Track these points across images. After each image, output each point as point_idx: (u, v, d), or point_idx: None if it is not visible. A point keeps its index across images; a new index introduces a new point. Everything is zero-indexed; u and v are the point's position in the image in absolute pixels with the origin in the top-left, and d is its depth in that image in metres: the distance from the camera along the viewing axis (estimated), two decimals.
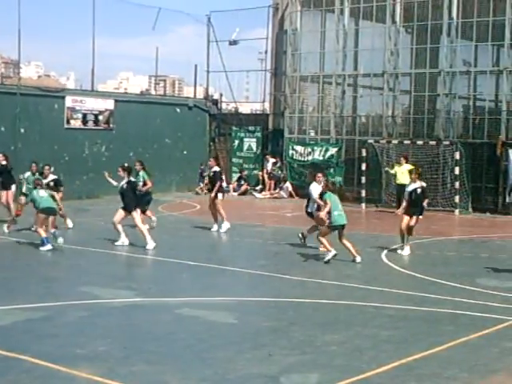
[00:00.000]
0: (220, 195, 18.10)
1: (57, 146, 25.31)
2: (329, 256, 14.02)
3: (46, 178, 18.08)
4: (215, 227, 18.18)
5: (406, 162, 23.24)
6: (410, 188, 15.52)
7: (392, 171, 23.52)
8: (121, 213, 15.71)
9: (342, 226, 14.14)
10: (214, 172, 18.43)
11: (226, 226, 18.16)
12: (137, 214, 15.69)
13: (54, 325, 9.29)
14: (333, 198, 14.15)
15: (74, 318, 9.64)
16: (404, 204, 15.39)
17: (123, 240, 15.75)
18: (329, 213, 14.02)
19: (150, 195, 18.47)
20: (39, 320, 9.52)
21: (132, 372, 7.42)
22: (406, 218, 15.24)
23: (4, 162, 19.59)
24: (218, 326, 9.42)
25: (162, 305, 10.51)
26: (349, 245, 14.18)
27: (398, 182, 23.36)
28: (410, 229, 15.34)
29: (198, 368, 7.58)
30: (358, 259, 14.10)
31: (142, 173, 18.24)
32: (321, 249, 15.10)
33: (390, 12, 26.12)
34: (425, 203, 15.62)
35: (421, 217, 15.52)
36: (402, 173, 23.06)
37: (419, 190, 15.41)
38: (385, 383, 7.24)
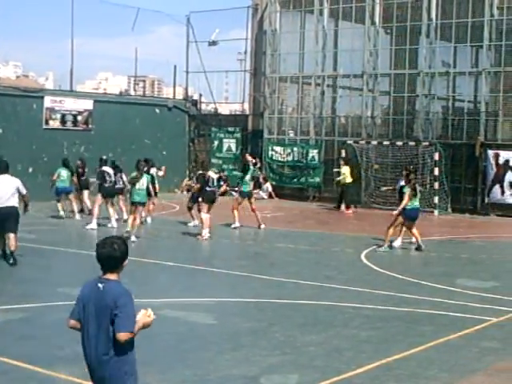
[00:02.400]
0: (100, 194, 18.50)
1: (35, 147, 25.14)
2: (132, 237, 15.89)
3: None
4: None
5: (345, 165, 24.24)
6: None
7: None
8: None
9: (139, 203, 16.56)
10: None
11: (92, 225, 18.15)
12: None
13: (33, 326, 9.22)
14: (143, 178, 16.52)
15: (53, 319, 9.55)
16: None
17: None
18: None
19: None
20: (18, 321, 9.44)
21: None
22: None
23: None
24: (198, 326, 9.40)
25: (142, 306, 10.35)
26: (138, 222, 16.53)
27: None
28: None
29: (178, 369, 7.57)
30: (133, 238, 15.88)
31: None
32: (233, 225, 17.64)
33: (369, 13, 26.22)
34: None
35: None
36: (342, 174, 23.82)
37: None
38: None
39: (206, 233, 16.84)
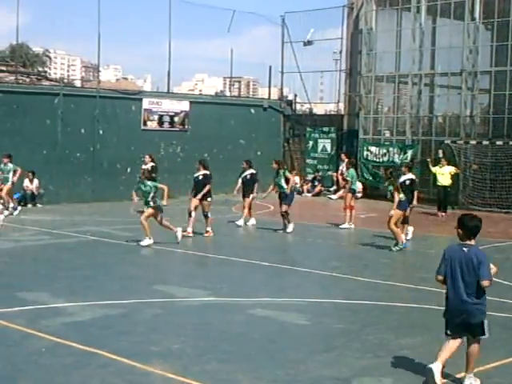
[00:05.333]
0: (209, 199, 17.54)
1: (133, 147, 25.81)
2: (150, 242, 15.63)
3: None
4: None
5: (448, 164, 22.90)
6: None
7: (433, 170, 23.29)
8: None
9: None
10: (204, 175, 17.49)
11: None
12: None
13: (130, 322, 9.46)
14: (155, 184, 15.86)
15: (149, 315, 9.79)
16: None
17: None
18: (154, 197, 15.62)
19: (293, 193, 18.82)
20: (116, 316, 9.72)
21: (205, 370, 7.48)
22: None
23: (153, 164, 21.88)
24: (289, 326, 9.39)
25: (235, 305, 10.55)
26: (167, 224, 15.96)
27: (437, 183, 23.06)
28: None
29: (269, 368, 7.58)
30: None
31: (281, 171, 18.48)
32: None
33: (468, 8, 25.46)
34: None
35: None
36: (443, 174, 22.71)
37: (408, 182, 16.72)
38: None
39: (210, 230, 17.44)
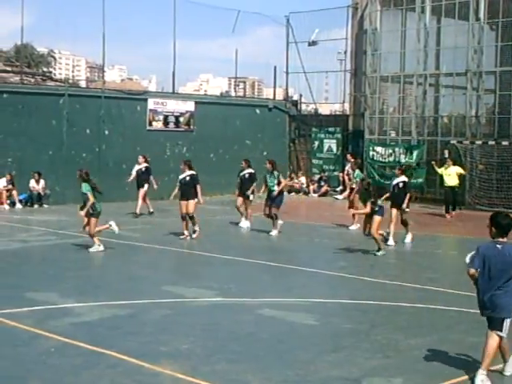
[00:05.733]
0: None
1: (139, 148, 25.76)
2: (98, 248, 15.00)
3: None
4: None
5: (454, 165, 22.84)
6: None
7: (439, 171, 23.15)
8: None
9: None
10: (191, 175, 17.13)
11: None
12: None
13: (139, 322, 9.47)
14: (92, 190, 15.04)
15: (158, 316, 9.80)
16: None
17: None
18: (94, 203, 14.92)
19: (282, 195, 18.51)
20: (125, 317, 9.72)
21: (214, 370, 7.48)
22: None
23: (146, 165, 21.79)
24: (298, 327, 9.39)
25: (243, 305, 10.55)
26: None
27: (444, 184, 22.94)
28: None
29: (279, 369, 7.57)
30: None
31: (276, 173, 18.20)
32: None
33: (473, 8, 25.42)
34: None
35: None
36: (449, 175, 22.62)
37: (401, 185, 16.81)
38: None
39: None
